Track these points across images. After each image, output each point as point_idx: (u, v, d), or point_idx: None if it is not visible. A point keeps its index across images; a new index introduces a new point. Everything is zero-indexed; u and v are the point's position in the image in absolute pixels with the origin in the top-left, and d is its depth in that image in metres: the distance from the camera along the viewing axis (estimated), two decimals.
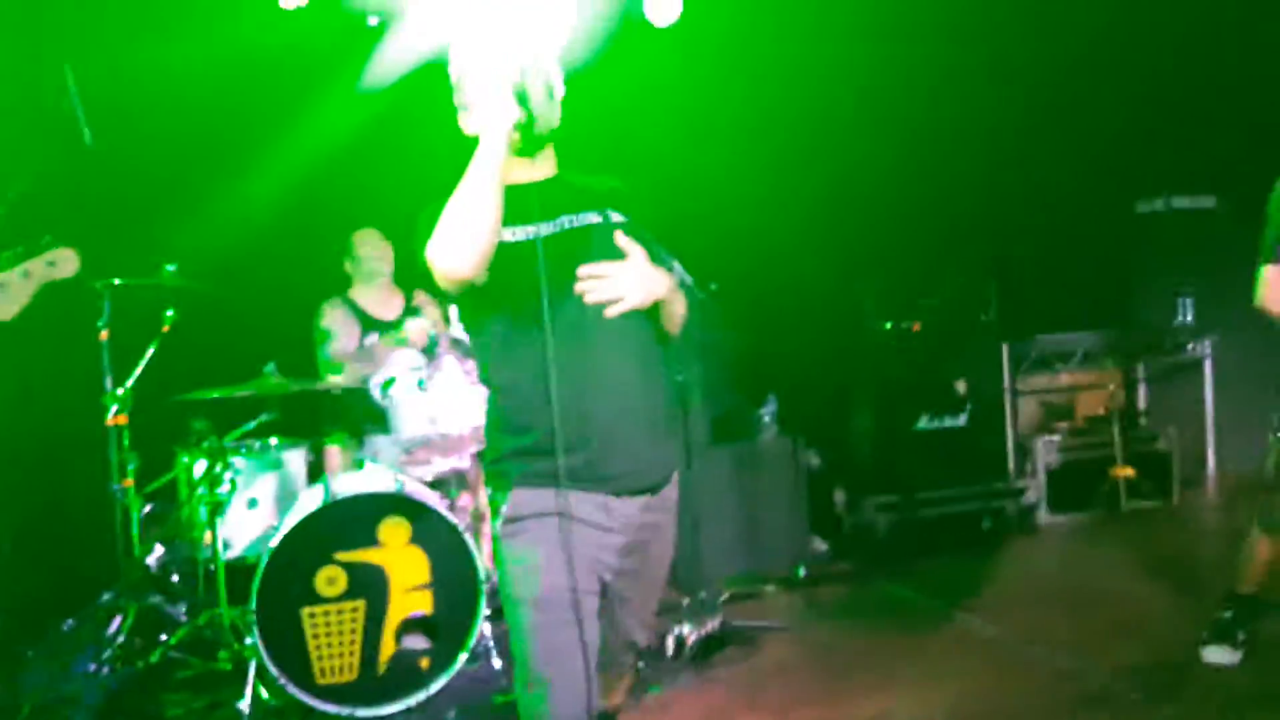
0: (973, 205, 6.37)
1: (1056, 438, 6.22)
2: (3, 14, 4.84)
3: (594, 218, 2.31)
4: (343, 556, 3.74)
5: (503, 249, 2.14)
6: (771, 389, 5.60)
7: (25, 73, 4.56)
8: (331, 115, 5.30)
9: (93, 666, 4.08)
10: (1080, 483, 6.18)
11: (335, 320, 4.66)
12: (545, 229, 2.26)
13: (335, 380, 4.47)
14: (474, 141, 2.15)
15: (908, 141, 6.21)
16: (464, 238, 2.07)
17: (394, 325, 4.61)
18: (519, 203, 2.22)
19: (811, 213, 5.91)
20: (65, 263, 2.74)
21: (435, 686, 3.77)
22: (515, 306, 2.22)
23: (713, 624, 4.21)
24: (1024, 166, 6.56)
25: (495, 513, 2.29)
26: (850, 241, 6.05)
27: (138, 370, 4.31)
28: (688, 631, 4.15)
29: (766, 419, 5.53)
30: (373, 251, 4.75)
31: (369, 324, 4.69)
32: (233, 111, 5.14)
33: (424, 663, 3.79)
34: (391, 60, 5.32)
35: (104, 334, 4.33)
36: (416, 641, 3.79)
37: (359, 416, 4.55)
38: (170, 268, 4.31)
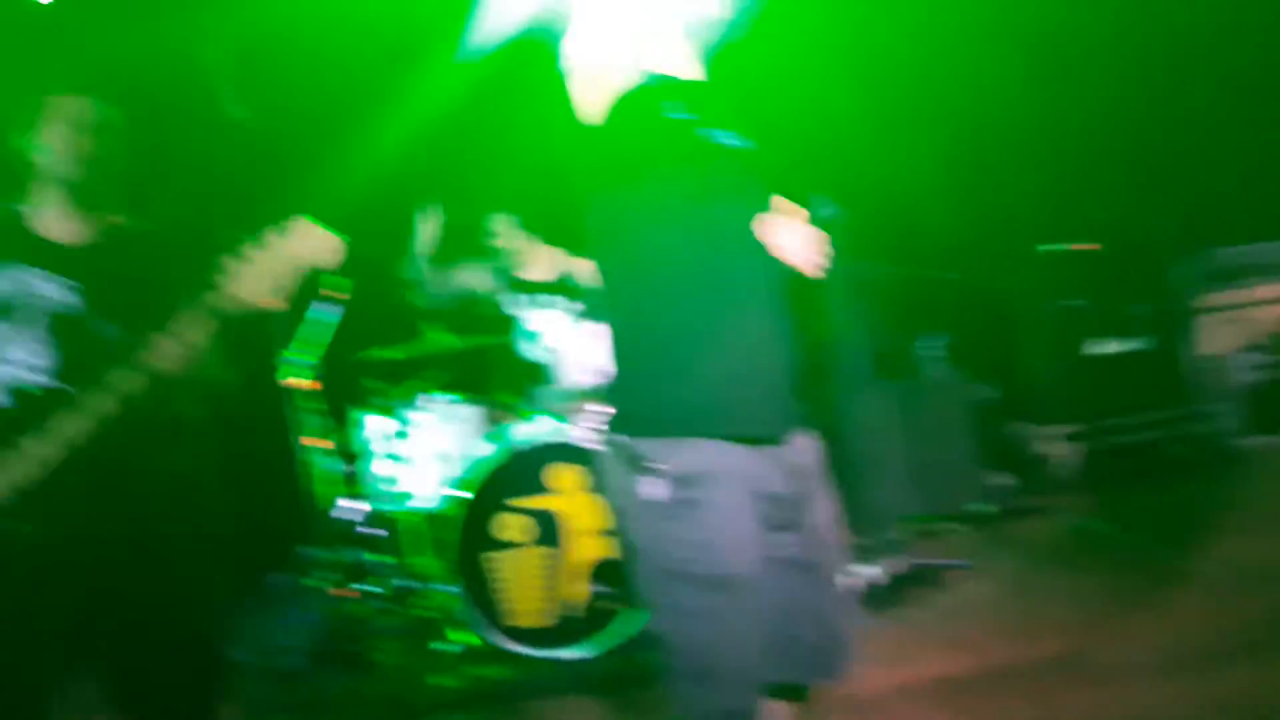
0: (1145, 115, 5.96)
1: (1252, 356, 5.83)
2: None
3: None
4: (522, 503, 3.82)
5: None
6: (934, 322, 5.42)
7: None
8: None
9: (304, 616, 4.30)
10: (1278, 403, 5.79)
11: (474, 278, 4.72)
12: None
13: (500, 338, 4.54)
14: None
15: (1073, 54, 5.85)
16: None
17: (536, 287, 4.65)
18: None
19: (971, 134, 5.65)
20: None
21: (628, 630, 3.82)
22: None
23: (899, 564, 4.13)
24: (1201, 69, 6.10)
25: (636, 466, 1.96)
26: (1013, 161, 5.76)
27: (319, 337, 4.45)
28: (874, 572, 4.08)
29: (933, 353, 5.36)
30: (497, 227, 4.75)
31: (516, 286, 4.74)
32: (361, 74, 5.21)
33: (615, 606, 3.84)
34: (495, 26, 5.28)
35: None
36: (604, 586, 3.84)
37: (525, 369, 4.61)
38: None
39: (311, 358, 4.42)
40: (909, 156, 5.51)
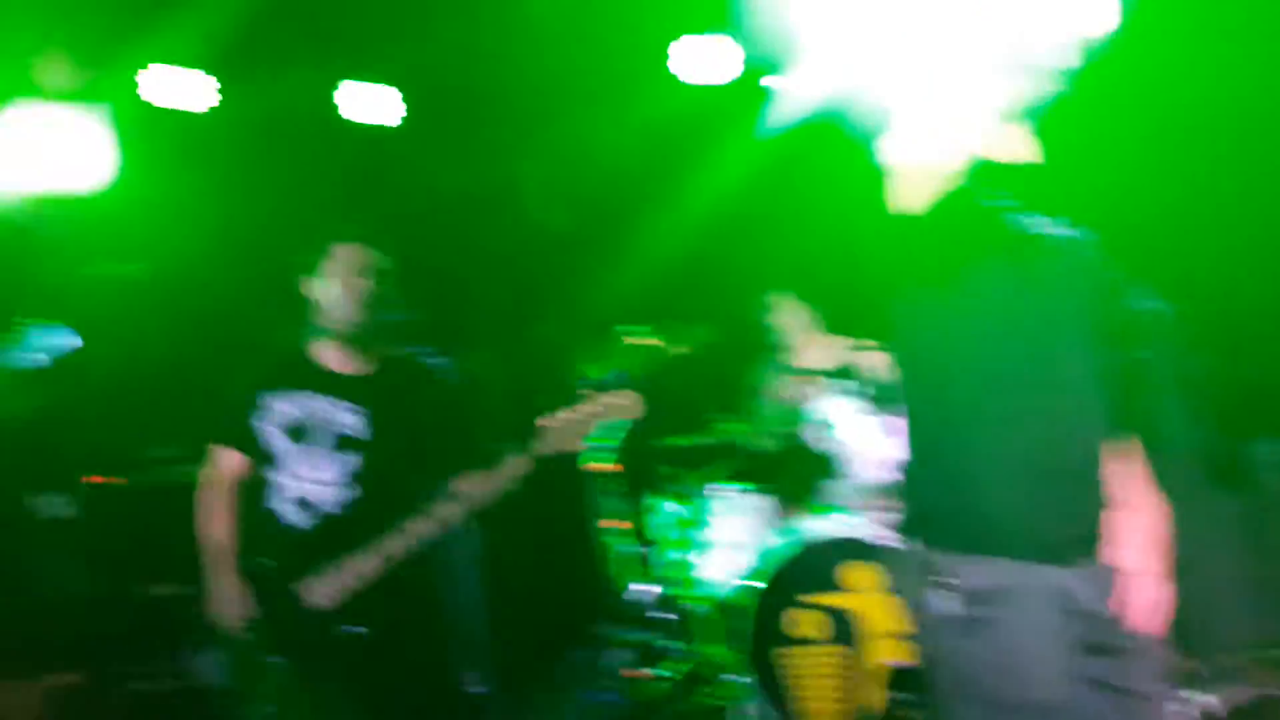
0: None
1: None
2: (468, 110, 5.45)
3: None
4: (813, 600, 3.74)
5: None
6: (1274, 425, 4.86)
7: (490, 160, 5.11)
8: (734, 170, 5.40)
9: (598, 696, 4.41)
10: None
11: (767, 375, 4.74)
12: None
13: (789, 430, 4.52)
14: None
15: None
16: None
17: (825, 374, 4.59)
18: None
19: None
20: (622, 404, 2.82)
21: None
22: None
23: (1239, 694, 3.68)
24: None
25: (929, 577, 1.83)
26: None
27: (615, 424, 4.60)
28: (1210, 702, 3.66)
29: (1274, 460, 4.81)
30: (783, 313, 4.73)
31: (798, 375, 4.70)
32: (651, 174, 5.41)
33: (916, 716, 3.66)
34: (787, 110, 5.34)
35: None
36: (903, 693, 3.68)
37: (816, 464, 4.55)
38: (639, 330, 4.58)
39: (612, 443, 4.58)
40: (1244, 244, 5.04)
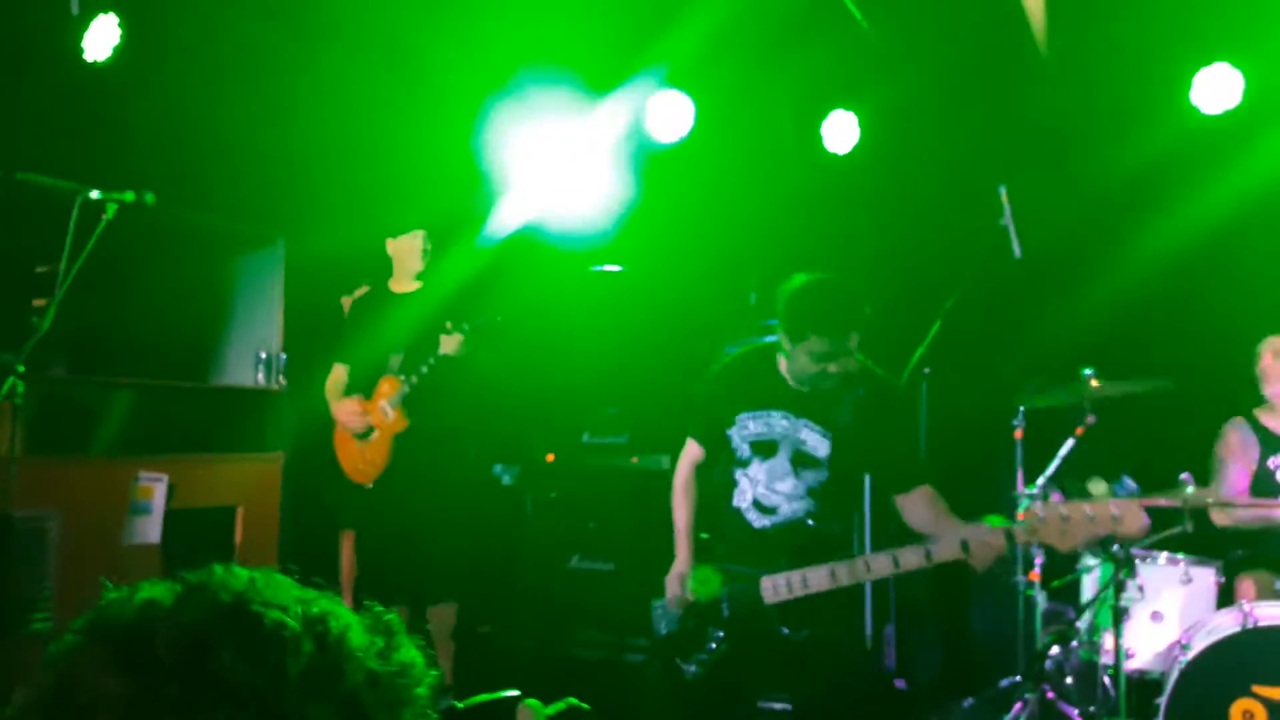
0: None
1: None
2: (946, 143, 5.52)
3: None
4: (1263, 691, 3.43)
5: None
6: None
7: (965, 194, 5.11)
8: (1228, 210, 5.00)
9: None
10: None
11: (1229, 444, 4.34)
12: None
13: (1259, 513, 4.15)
14: None
15: None
16: None
17: None
18: None
19: None
20: (1132, 519, 2.68)
21: None
22: None
23: None
24: None
25: None
26: None
27: (1050, 469, 4.46)
28: None
29: None
30: (1274, 364, 4.32)
31: (1275, 446, 4.28)
32: (1132, 211, 5.14)
33: None
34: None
35: (1018, 433, 4.60)
36: None
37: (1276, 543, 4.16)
38: (1087, 372, 4.41)
39: (1041, 489, 4.43)
40: None
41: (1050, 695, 4.34)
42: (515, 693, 0.96)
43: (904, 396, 3.32)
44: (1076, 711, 4.47)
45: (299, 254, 5.38)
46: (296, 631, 0.79)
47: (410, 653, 0.86)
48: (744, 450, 3.10)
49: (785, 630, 2.93)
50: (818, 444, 3.02)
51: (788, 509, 3.03)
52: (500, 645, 5.57)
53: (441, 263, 4.64)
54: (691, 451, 3.31)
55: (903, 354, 4.43)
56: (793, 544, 2.98)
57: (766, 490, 3.05)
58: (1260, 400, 4.40)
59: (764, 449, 3.07)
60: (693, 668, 3.03)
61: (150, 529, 4.56)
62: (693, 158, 5.44)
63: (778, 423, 3.07)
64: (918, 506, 2.97)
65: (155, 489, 4.59)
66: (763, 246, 5.60)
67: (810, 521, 3.01)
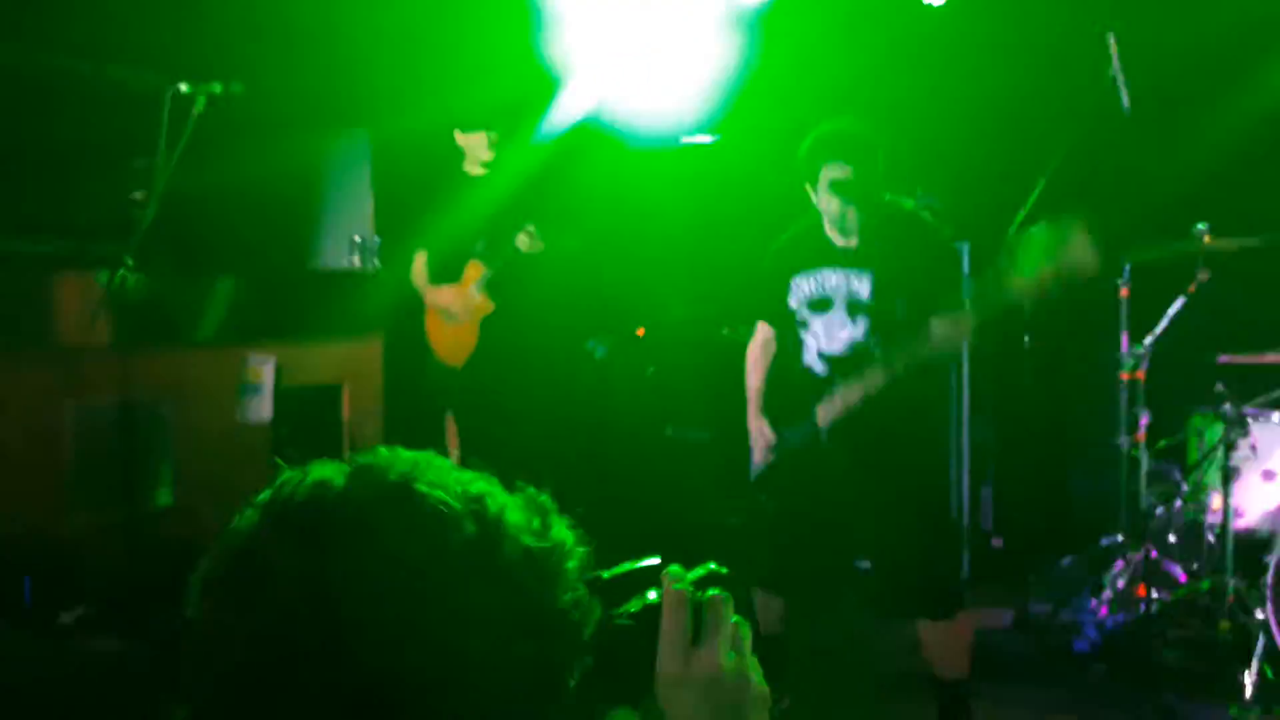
0: None
1: None
2: None
3: None
4: None
5: None
6: None
7: (1069, 43, 4.84)
8: None
9: (1091, 604, 4.30)
10: None
11: None
12: None
13: None
14: None
15: None
16: None
17: None
18: None
19: None
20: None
21: None
22: None
23: None
24: None
25: None
26: None
27: (1158, 328, 4.32)
28: None
29: None
30: None
31: None
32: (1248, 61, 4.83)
33: None
34: None
35: (1123, 291, 4.44)
36: None
37: None
38: (1200, 227, 4.22)
39: (1146, 349, 4.31)
40: None
41: (1154, 554, 4.31)
42: (656, 560, 0.99)
43: (945, 240, 3.35)
44: (1180, 568, 4.43)
45: (384, 140, 5.40)
46: (457, 510, 0.83)
47: (562, 531, 0.90)
48: (803, 312, 3.28)
49: (825, 439, 3.14)
50: (861, 286, 3.18)
51: (844, 352, 3.22)
52: (599, 515, 5.70)
53: (515, 147, 4.60)
54: (761, 333, 3.52)
55: (1008, 213, 4.29)
56: (852, 369, 3.13)
57: (827, 342, 3.23)
58: None
59: (820, 305, 3.24)
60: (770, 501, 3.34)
61: (262, 408, 4.76)
62: (780, 19, 5.24)
63: (829, 278, 3.23)
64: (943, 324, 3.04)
65: (264, 370, 4.77)
66: (856, 108, 5.42)
67: (871, 349, 3.15)
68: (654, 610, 0.94)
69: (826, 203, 3.17)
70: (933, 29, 5.25)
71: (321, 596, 0.79)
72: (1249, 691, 3.51)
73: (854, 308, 3.18)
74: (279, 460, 0.92)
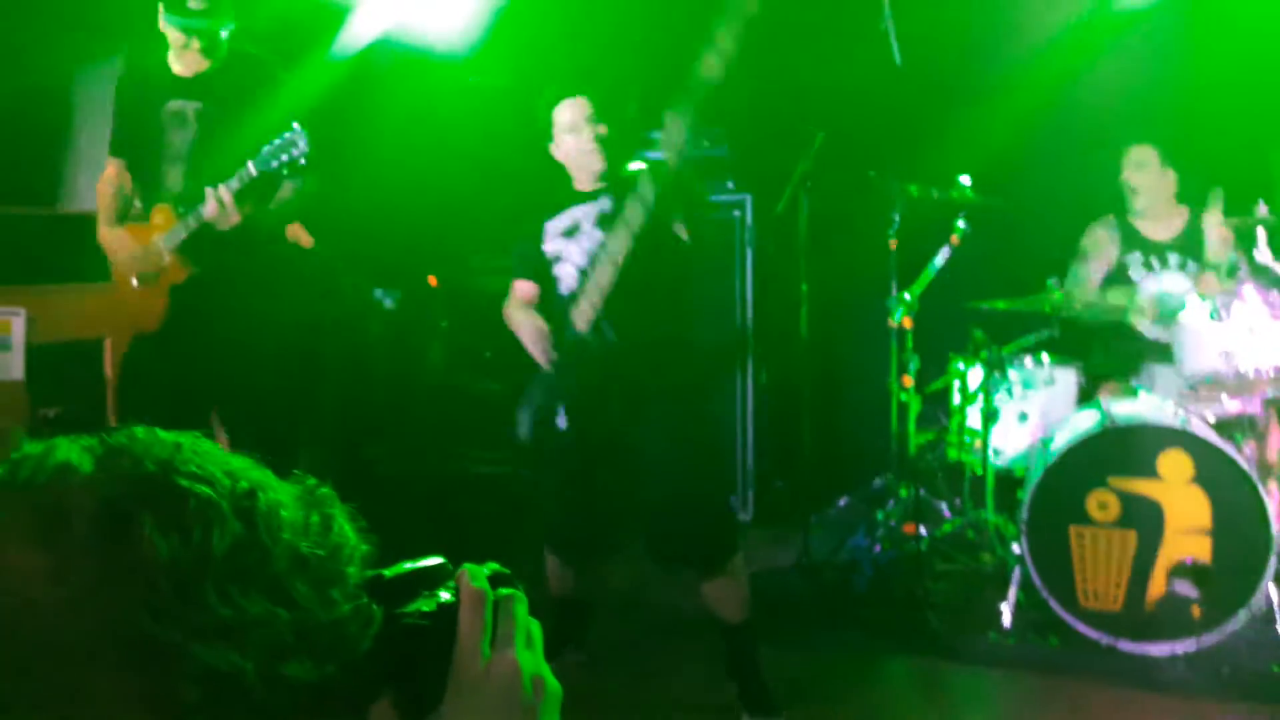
0: None
1: None
2: None
3: None
4: (1117, 483, 3.67)
5: None
6: None
7: None
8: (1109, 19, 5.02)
9: (865, 542, 4.55)
10: None
11: (1094, 239, 4.51)
12: None
13: (1114, 302, 4.35)
14: None
15: None
16: None
17: (1164, 247, 4.37)
18: None
19: None
20: None
21: (1207, 639, 3.56)
22: None
23: None
24: None
25: None
26: None
27: (924, 278, 4.56)
28: None
29: None
30: (1138, 171, 4.46)
31: (1135, 244, 4.46)
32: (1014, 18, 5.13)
33: (1195, 611, 3.58)
34: None
35: (893, 243, 4.66)
36: (1189, 587, 3.59)
37: (1135, 342, 4.39)
38: (964, 180, 4.47)
39: (914, 300, 4.55)
40: None
41: (922, 492, 4.60)
42: (439, 560, 0.93)
43: (678, 181, 3.24)
44: (946, 506, 4.76)
45: (141, 69, 4.97)
46: (224, 508, 0.74)
47: (343, 528, 0.82)
48: (556, 244, 3.28)
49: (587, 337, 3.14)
50: (605, 205, 3.22)
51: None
52: (390, 468, 5.59)
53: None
54: (519, 292, 3.41)
55: (789, 164, 4.40)
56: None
57: (580, 258, 3.23)
58: (1127, 204, 4.53)
59: (570, 232, 3.28)
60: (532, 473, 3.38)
61: (12, 365, 4.35)
62: None
63: (575, 212, 3.27)
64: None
65: (13, 323, 4.35)
66: (640, 58, 5.41)
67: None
68: (450, 609, 0.89)
69: (563, 146, 3.25)
70: None
71: (52, 603, 0.70)
72: (1007, 619, 3.80)
73: (603, 220, 3.22)
74: (30, 429, 0.80)
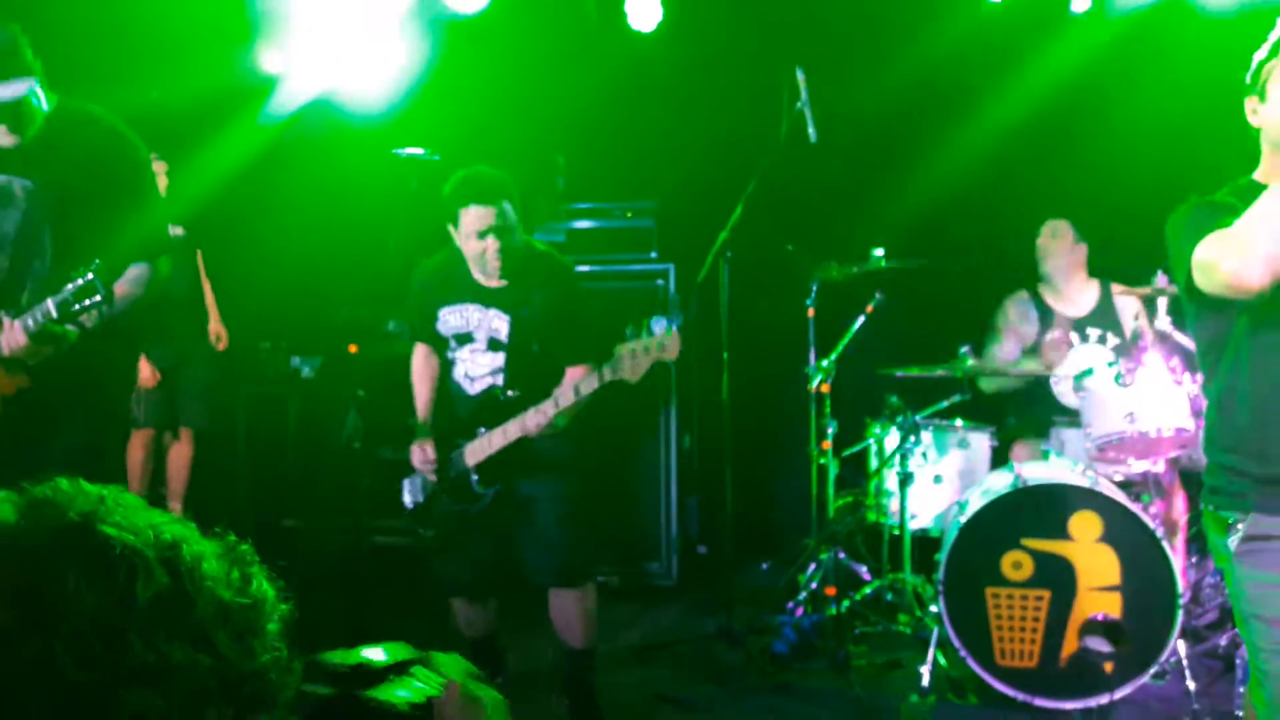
0: None
1: None
2: (742, 23, 5.53)
3: None
4: (1031, 543, 3.75)
5: None
6: None
7: (765, 77, 5.15)
8: (1021, 101, 5.26)
9: (789, 605, 4.57)
10: None
11: (1006, 315, 4.67)
12: None
13: (1026, 369, 4.49)
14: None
15: None
16: (1269, 250, 1.90)
17: (1083, 322, 4.55)
18: None
19: None
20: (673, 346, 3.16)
21: (1118, 693, 3.63)
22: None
23: None
24: None
25: (1222, 530, 2.18)
26: None
27: (841, 345, 4.67)
28: None
29: None
30: (1052, 243, 4.65)
31: (1053, 320, 4.62)
32: (930, 100, 5.33)
33: (1108, 666, 3.66)
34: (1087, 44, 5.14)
35: (810, 311, 4.78)
36: (1101, 643, 3.67)
37: (1046, 407, 4.52)
38: (878, 253, 4.60)
39: (831, 366, 4.65)
40: None
41: (841, 555, 4.65)
42: (380, 650, 0.95)
43: (573, 277, 3.56)
44: (865, 569, 4.81)
45: None
46: (148, 558, 0.75)
47: (263, 585, 0.84)
48: (450, 340, 3.50)
49: (477, 486, 3.40)
50: (501, 326, 3.42)
51: (488, 381, 3.44)
52: (305, 538, 5.47)
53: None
54: (419, 351, 3.68)
55: (710, 234, 4.49)
56: (492, 411, 3.36)
57: (473, 367, 3.46)
58: (1041, 278, 4.71)
59: (463, 338, 3.47)
60: (429, 532, 3.57)
61: None
62: (493, 32, 5.24)
63: (471, 313, 3.44)
64: (576, 380, 3.26)
65: None
66: (568, 130, 5.51)
67: (509, 393, 3.39)
68: (428, 707, 0.90)
69: (466, 244, 3.34)
70: (641, 56, 5.43)
71: None
72: (926, 679, 3.83)
73: (494, 344, 3.42)
74: None
